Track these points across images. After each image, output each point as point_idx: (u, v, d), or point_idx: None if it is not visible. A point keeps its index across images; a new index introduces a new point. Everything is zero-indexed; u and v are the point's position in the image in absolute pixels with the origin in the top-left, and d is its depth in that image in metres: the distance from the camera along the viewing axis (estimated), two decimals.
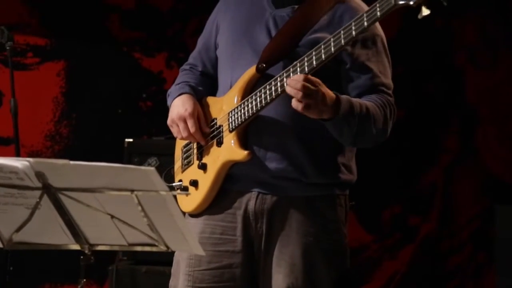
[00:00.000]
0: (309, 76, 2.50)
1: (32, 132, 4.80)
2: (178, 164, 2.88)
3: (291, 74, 2.53)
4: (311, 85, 2.48)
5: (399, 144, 5.06)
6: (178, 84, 2.85)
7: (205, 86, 2.85)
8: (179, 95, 2.79)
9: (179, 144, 2.89)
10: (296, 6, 2.70)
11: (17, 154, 3.77)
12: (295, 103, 2.50)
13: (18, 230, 2.13)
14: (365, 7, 2.68)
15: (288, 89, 2.50)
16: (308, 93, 2.47)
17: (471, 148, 5.29)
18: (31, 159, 2.03)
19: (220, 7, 2.86)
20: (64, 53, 4.90)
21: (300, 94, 2.48)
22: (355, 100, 2.59)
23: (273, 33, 2.69)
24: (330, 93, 2.52)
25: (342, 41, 2.45)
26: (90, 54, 4.95)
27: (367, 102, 2.61)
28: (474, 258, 5.31)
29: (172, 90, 2.84)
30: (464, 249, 5.31)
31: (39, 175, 2.03)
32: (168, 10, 5.08)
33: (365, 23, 2.40)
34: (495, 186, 5.27)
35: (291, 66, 2.55)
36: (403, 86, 4.96)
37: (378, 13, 2.37)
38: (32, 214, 2.10)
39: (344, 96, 2.56)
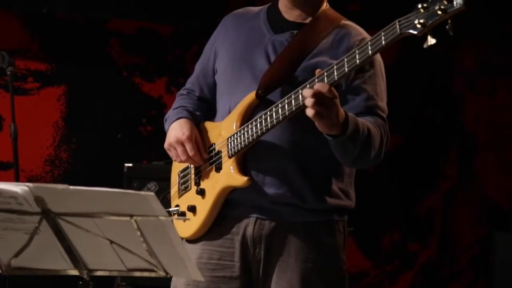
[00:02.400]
0: (332, 88, 2.47)
1: (31, 157, 4.81)
2: (174, 189, 2.87)
3: (293, 101, 2.53)
4: (331, 98, 2.45)
5: (398, 169, 5.06)
6: (176, 108, 2.85)
7: (203, 111, 2.85)
8: (177, 119, 2.79)
9: (176, 169, 2.89)
10: (295, 31, 2.71)
11: (17, 179, 3.77)
12: (310, 111, 2.44)
13: (16, 255, 2.13)
14: (363, 32, 2.70)
15: (309, 92, 2.44)
16: (327, 102, 2.44)
17: (470, 174, 5.30)
18: (30, 184, 2.03)
19: (218, 32, 2.87)
20: (65, 78, 4.91)
21: (312, 101, 2.42)
22: (360, 120, 2.59)
23: (272, 58, 2.70)
24: (341, 110, 2.52)
25: (346, 69, 2.45)
26: (91, 79, 4.96)
27: (367, 123, 2.61)
28: (473, 284, 5.30)
29: (170, 114, 2.85)
30: (463, 275, 5.30)
31: (38, 200, 2.03)
32: (169, 36, 5.11)
33: (370, 52, 2.40)
34: (494, 212, 5.27)
35: (292, 93, 2.55)
36: (402, 112, 4.98)
37: (383, 42, 2.37)
38: (31, 239, 2.09)
39: (351, 115, 2.56)
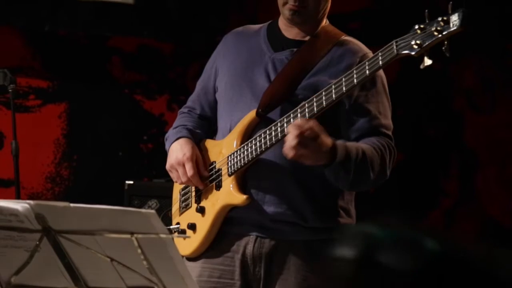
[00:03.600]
0: (312, 125, 2.49)
1: (32, 174, 4.81)
2: (175, 206, 2.88)
3: (292, 120, 2.54)
4: (309, 135, 2.47)
5: (399, 187, 5.06)
6: (176, 127, 2.86)
7: (203, 129, 2.86)
8: (177, 139, 2.80)
9: (177, 187, 2.89)
10: (295, 49, 2.72)
11: (18, 196, 3.77)
12: (287, 149, 2.49)
13: (17, 273, 2.12)
14: (363, 48, 2.70)
15: (287, 136, 2.50)
16: (304, 142, 2.48)
17: (471, 191, 5.29)
18: (31, 202, 2.03)
19: (219, 51, 2.88)
20: (66, 95, 4.92)
21: (295, 142, 2.46)
22: (351, 145, 2.59)
23: (272, 76, 2.71)
24: (326, 141, 2.52)
25: (344, 89, 2.46)
26: (92, 96, 4.97)
27: (364, 145, 2.61)
28: None
29: (170, 134, 2.85)
30: None
31: (39, 218, 2.03)
32: (170, 53, 5.12)
33: (367, 72, 2.42)
34: (495, 230, 5.26)
35: (291, 111, 2.55)
36: (402, 129, 4.98)
37: (380, 62, 2.39)
38: (31, 257, 2.09)
39: (340, 142, 2.57)
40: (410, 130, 5.15)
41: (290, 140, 2.48)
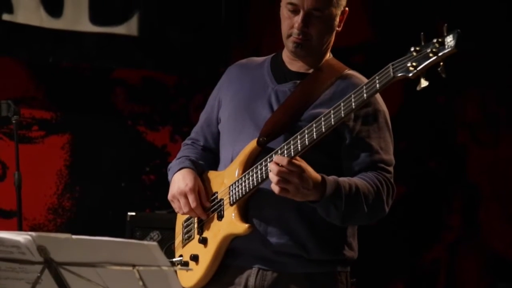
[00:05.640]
0: (294, 160, 2.50)
1: (35, 205, 4.80)
2: (178, 239, 2.87)
3: (292, 147, 2.54)
4: (291, 171, 2.48)
5: (401, 220, 5.04)
6: (179, 158, 2.86)
7: (206, 160, 2.86)
8: (180, 169, 2.80)
9: (180, 219, 2.89)
10: (298, 81, 2.73)
11: (20, 227, 3.77)
12: (272, 185, 2.51)
13: None
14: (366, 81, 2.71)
15: (269, 173, 2.52)
16: (286, 178, 2.48)
17: (474, 225, 5.28)
18: (33, 233, 2.03)
19: (222, 82, 2.89)
20: (69, 126, 4.93)
21: (275, 179, 2.49)
22: (344, 180, 2.59)
23: (275, 107, 2.71)
24: (315, 176, 2.53)
25: (342, 113, 2.46)
26: (95, 127, 4.98)
27: (358, 181, 2.61)
28: None
29: (173, 164, 2.85)
30: None
31: (41, 249, 2.03)
32: (173, 85, 5.14)
33: (365, 95, 2.42)
34: (498, 263, 5.24)
35: (291, 138, 2.56)
36: (405, 163, 4.98)
37: (378, 85, 2.39)
38: None
39: (330, 178, 2.56)
40: (413, 163, 5.15)
41: (271, 177, 2.50)
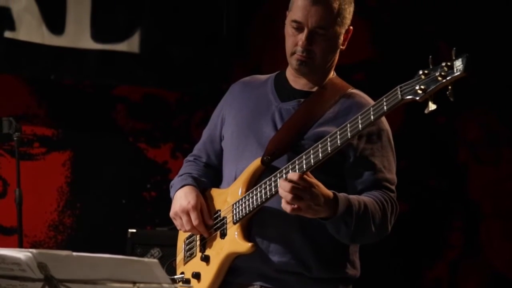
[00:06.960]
0: (305, 176, 2.50)
1: (35, 222, 4.79)
2: (180, 256, 2.86)
3: (297, 167, 2.53)
4: (304, 187, 2.47)
5: (403, 238, 5.03)
6: (181, 175, 2.85)
7: (209, 177, 2.85)
8: (182, 186, 2.80)
9: (182, 236, 2.88)
10: (302, 100, 2.73)
11: (20, 244, 3.76)
12: (284, 204, 2.50)
13: None
14: (370, 101, 2.70)
15: (280, 191, 2.51)
16: (299, 195, 2.48)
17: (475, 243, 5.27)
18: (34, 250, 2.03)
19: (226, 100, 2.89)
20: (70, 143, 4.93)
21: (289, 196, 2.47)
22: (353, 198, 2.58)
23: (279, 125, 2.71)
24: (326, 193, 2.52)
25: (349, 135, 2.46)
26: (96, 144, 4.98)
27: (366, 199, 2.60)
28: None
29: (175, 181, 2.85)
30: None
31: (41, 267, 2.02)
32: (174, 102, 5.14)
33: (372, 117, 2.42)
34: (500, 282, 5.23)
35: (296, 158, 2.55)
36: (407, 181, 4.97)
37: (385, 108, 2.38)
38: None
39: (342, 195, 2.56)
40: (414, 181, 5.14)
41: (283, 195, 2.48)
